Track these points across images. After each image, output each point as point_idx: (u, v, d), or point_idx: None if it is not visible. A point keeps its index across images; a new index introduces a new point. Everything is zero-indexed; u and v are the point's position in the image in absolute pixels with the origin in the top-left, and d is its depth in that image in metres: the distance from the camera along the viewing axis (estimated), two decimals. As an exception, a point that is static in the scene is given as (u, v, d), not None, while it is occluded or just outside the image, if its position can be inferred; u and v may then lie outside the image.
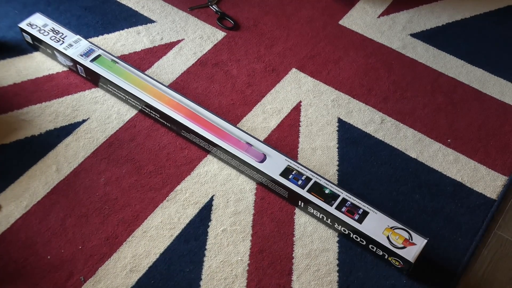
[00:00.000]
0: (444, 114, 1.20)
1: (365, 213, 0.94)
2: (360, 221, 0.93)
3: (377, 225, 0.92)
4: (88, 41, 1.20)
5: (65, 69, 1.23)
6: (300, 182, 0.98)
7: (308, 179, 0.99)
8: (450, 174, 1.09)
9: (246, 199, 1.03)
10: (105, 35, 1.31)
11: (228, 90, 1.21)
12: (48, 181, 1.03)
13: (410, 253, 0.89)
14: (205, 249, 0.96)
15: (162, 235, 0.97)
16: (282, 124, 1.16)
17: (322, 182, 0.98)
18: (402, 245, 0.90)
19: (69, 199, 1.01)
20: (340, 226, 0.95)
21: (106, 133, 1.11)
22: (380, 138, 1.15)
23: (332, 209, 0.95)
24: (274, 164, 1.01)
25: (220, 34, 1.34)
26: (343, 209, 0.95)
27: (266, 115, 1.17)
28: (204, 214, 1.00)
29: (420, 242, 0.91)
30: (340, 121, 1.18)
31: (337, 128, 1.16)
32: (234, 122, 1.14)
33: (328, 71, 1.28)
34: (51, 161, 1.06)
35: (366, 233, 0.92)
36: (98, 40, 1.29)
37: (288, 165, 1.00)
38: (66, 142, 1.09)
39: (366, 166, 1.10)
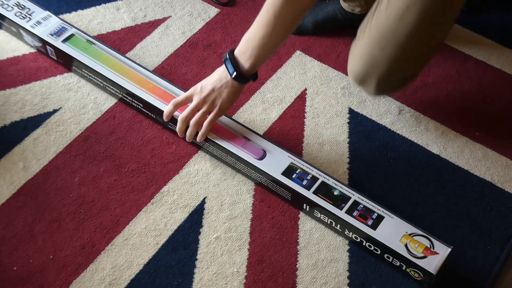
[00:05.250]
0: (471, 104, 1.20)
1: (380, 218, 0.94)
2: (374, 227, 0.93)
3: (393, 232, 0.93)
4: (59, 18, 1.20)
5: (32, 50, 1.22)
6: (305, 182, 0.98)
7: (314, 179, 0.99)
8: (478, 172, 1.10)
9: (243, 201, 1.03)
10: (79, 11, 1.31)
11: (222, 76, 1.21)
12: (13, 180, 1.03)
13: (432, 264, 0.90)
14: (196, 259, 0.96)
15: (146, 243, 0.97)
16: (284, 116, 1.16)
17: (330, 182, 0.99)
18: (422, 255, 0.91)
19: (39, 201, 1.01)
20: (351, 233, 0.96)
21: (81, 125, 1.11)
22: (398, 132, 1.15)
23: (342, 213, 0.95)
24: (275, 162, 1.01)
25: (212, 11, 1.33)
26: (355, 213, 0.95)
27: (266, 105, 1.17)
28: (195, 219, 1.00)
29: (443, 251, 0.91)
30: (351, 111, 1.18)
31: (348, 120, 1.16)
32: (230, 113, 1.14)
33: (338, 54, 1.28)
34: (17, 157, 1.06)
35: (381, 240, 0.92)
36: (70, 17, 1.29)
37: (292, 162, 1.01)
38: (34, 135, 1.09)
39: (381, 163, 1.10)
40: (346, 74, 1.23)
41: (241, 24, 1.31)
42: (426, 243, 0.92)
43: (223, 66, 1.00)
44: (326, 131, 1.14)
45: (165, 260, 0.95)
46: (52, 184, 1.03)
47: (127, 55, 1.23)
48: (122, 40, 1.26)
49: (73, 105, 1.14)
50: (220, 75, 1.00)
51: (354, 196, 0.97)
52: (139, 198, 1.02)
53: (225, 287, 0.93)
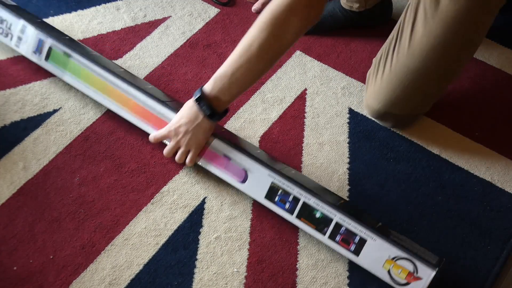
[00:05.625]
0: (471, 103, 1.20)
1: (362, 241, 0.91)
2: (357, 252, 0.92)
3: (376, 256, 0.90)
4: (34, 26, 1.13)
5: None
6: (287, 205, 0.96)
7: (296, 200, 0.95)
8: (478, 172, 1.10)
9: (242, 201, 1.03)
10: (79, 11, 1.31)
11: (222, 76, 1.21)
12: (14, 180, 1.03)
13: None
14: (196, 259, 0.96)
15: (146, 243, 0.97)
16: (284, 116, 1.16)
17: (311, 202, 0.94)
18: (405, 281, 0.89)
19: (39, 201, 1.01)
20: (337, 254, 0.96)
21: (81, 125, 1.11)
22: (397, 132, 1.15)
23: (325, 239, 0.94)
24: (257, 183, 0.98)
25: (212, 11, 1.34)
26: (338, 237, 0.93)
27: (266, 105, 1.17)
28: (195, 219, 1.00)
29: (427, 275, 0.88)
30: (351, 111, 1.18)
31: (348, 120, 1.16)
32: (230, 113, 1.14)
33: (338, 54, 1.28)
34: (17, 157, 1.06)
35: (364, 267, 0.92)
36: (71, 17, 1.29)
37: (273, 182, 0.97)
38: (34, 135, 1.09)
39: (381, 163, 1.10)
40: (346, 74, 1.24)
41: (241, 24, 1.31)
42: (410, 267, 0.89)
43: (195, 106, 0.97)
44: (326, 131, 1.14)
45: (165, 260, 0.95)
46: (52, 184, 1.03)
47: (127, 55, 1.23)
48: (122, 40, 1.26)
49: (73, 105, 1.14)
50: (191, 115, 0.99)
51: (336, 217, 0.93)
52: (139, 198, 1.02)
53: (225, 287, 0.93)
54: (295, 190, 0.95)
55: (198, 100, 0.97)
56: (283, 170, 0.98)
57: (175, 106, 1.04)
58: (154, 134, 1.04)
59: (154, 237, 0.98)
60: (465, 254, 0.99)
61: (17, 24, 1.13)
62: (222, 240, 0.98)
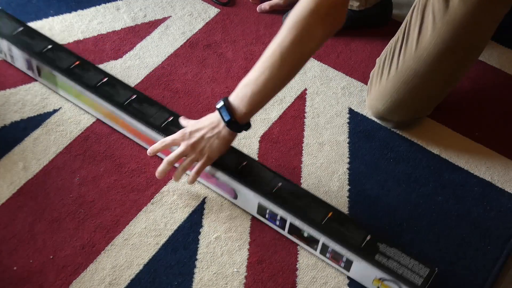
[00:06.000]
0: (471, 103, 1.20)
1: (349, 262, 0.91)
2: (347, 268, 0.92)
3: (365, 275, 0.91)
4: (17, 45, 1.11)
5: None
6: (278, 222, 0.96)
7: (283, 220, 0.95)
8: (478, 172, 1.10)
9: (243, 201, 1.03)
10: (79, 11, 1.31)
11: (222, 76, 1.21)
12: (13, 180, 1.03)
13: None
14: (196, 259, 0.96)
15: (146, 243, 0.97)
16: (284, 116, 1.16)
17: (297, 223, 0.93)
18: None
19: (38, 201, 1.01)
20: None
21: (81, 125, 1.11)
22: (398, 132, 1.15)
23: (318, 254, 0.94)
24: (247, 200, 0.97)
25: (212, 11, 1.34)
26: (328, 255, 0.93)
27: (266, 105, 1.17)
28: (195, 219, 1.00)
29: None
30: (351, 111, 1.18)
31: (348, 120, 1.16)
32: (229, 112, 1.14)
33: (338, 53, 1.28)
34: (17, 157, 1.06)
35: (357, 280, 0.92)
36: (71, 17, 1.29)
37: (260, 202, 0.96)
38: (34, 135, 1.09)
39: (381, 163, 1.10)
40: (346, 74, 1.24)
41: (241, 24, 1.31)
42: None
43: (216, 113, 0.93)
44: (326, 131, 1.14)
45: (165, 260, 0.95)
46: (52, 184, 1.03)
47: (127, 55, 1.23)
48: (122, 40, 1.26)
49: (73, 105, 1.14)
50: (211, 123, 0.94)
51: (322, 238, 0.92)
52: (139, 198, 1.02)
53: (225, 287, 0.93)
54: (280, 211, 0.94)
55: (220, 108, 0.93)
56: (269, 184, 0.96)
57: (168, 131, 1.00)
58: (161, 140, 0.98)
59: (154, 237, 0.98)
60: (465, 254, 0.99)
61: (2, 43, 1.14)
62: (222, 240, 0.98)
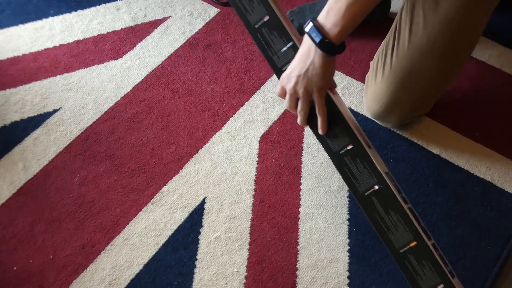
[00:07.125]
0: (471, 103, 1.20)
1: None
2: None
3: None
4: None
5: (32, 50, 1.22)
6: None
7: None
8: (478, 172, 1.10)
9: (243, 201, 1.03)
10: (79, 11, 1.31)
11: (222, 76, 1.21)
12: (13, 180, 1.03)
13: None
14: (196, 259, 0.96)
15: (146, 243, 0.97)
16: (284, 116, 1.16)
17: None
18: None
19: (38, 201, 1.01)
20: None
21: (81, 125, 1.11)
22: (397, 132, 1.15)
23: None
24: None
25: (213, 11, 1.34)
26: None
27: (266, 105, 1.18)
28: (195, 219, 1.00)
29: None
30: (351, 111, 1.18)
31: (348, 120, 1.16)
32: (230, 112, 1.14)
33: (338, 53, 1.28)
34: (17, 157, 1.06)
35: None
36: (71, 16, 1.29)
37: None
38: (34, 135, 1.09)
39: (381, 163, 1.10)
40: (346, 74, 1.24)
41: (241, 24, 1.31)
42: None
43: (305, 40, 0.85)
44: (326, 131, 1.14)
45: (165, 260, 0.95)
46: (52, 184, 1.03)
47: (127, 55, 1.23)
48: (122, 40, 1.26)
49: (73, 105, 1.14)
50: (301, 55, 0.86)
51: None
52: (139, 198, 1.02)
53: (225, 287, 0.93)
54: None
55: (309, 30, 0.84)
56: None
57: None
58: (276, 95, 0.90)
59: (154, 237, 0.98)
60: (465, 254, 0.99)
61: None
62: (222, 240, 0.98)
